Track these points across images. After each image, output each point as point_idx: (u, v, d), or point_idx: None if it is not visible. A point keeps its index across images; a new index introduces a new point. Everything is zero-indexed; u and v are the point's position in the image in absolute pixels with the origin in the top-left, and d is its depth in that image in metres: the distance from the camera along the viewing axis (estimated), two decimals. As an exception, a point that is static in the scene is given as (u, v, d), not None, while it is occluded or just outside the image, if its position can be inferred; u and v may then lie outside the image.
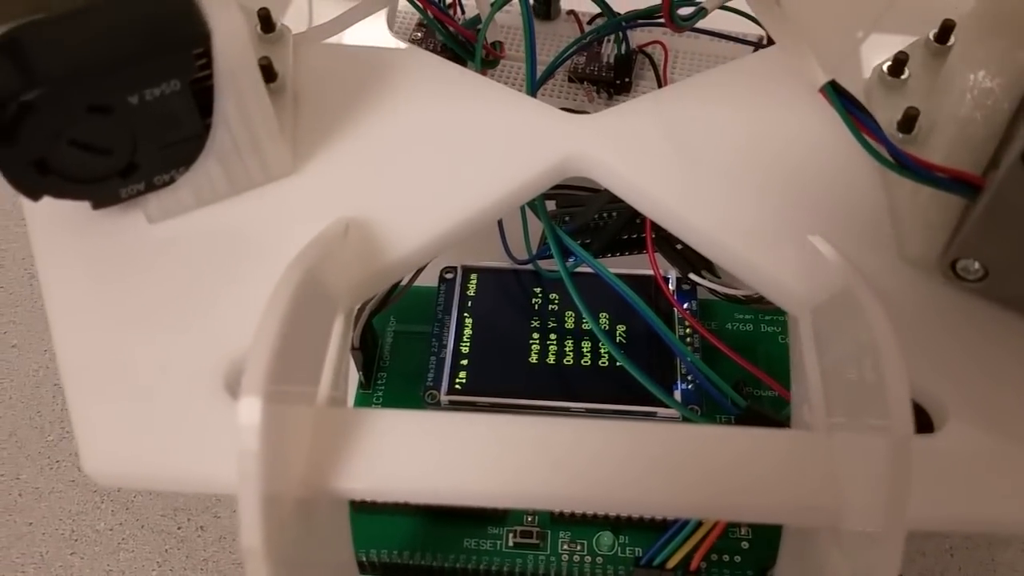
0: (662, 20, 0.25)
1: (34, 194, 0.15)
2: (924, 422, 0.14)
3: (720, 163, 0.16)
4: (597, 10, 0.27)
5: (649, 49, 0.27)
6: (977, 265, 0.14)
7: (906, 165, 0.14)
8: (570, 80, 0.27)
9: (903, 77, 0.17)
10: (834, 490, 0.13)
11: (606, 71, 0.26)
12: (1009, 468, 0.13)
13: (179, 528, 0.26)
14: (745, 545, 0.19)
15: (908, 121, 0.16)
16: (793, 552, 0.16)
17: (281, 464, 0.12)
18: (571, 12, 0.28)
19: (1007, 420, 0.14)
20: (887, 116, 0.16)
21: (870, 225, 0.16)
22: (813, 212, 0.16)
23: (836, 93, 0.15)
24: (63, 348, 0.14)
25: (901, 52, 0.17)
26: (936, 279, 0.15)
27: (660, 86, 0.26)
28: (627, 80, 0.26)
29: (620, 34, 0.26)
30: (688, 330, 0.21)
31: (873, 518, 0.12)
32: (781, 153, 0.16)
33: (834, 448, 0.13)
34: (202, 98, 0.15)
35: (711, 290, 0.21)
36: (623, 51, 0.26)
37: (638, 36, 0.27)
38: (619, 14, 0.25)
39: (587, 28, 0.27)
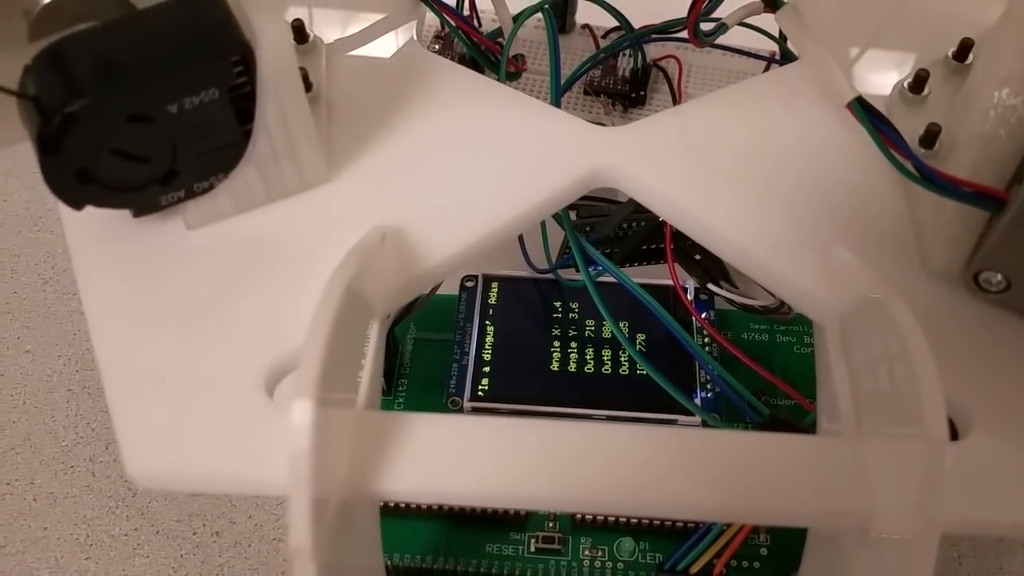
0: (676, 35, 0.25)
1: (77, 203, 0.15)
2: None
3: (745, 175, 0.17)
4: (610, 24, 0.28)
5: (663, 63, 0.27)
6: (1000, 277, 0.15)
7: (931, 179, 0.14)
8: (586, 93, 0.27)
9: (924, 94, 0.17)
10: (865, 495, 0.13)
11: (621, 84, 0.27)
12: (1033, 475, 0.13)
13: (194, 534, 0.26)
14: (764, 551, 0.20)
15: (930, 136, 0.16)
16: (818, 557, 0.16)
17: (328, 466, 0.12)
18: (585, 26, 0.29)
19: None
20: (909, 131, 0.17)
21: (893, 237, 0.16)
22: (836, 223, 0.16)
23: (863, 108, 0.15)
24: (104, 354, 0.14)
25: (922, 69, 0.17)
26: (959, 291, 0.15)
27: (675, 100, 0.26)
28: (642, 93, 0.26)
29: (635, 48, 0.26)
30: (707, 339, 0.21)
31: (907, 523, 0.12)
32: (805, 166, 0.17)
33: (864, 454, 0.13)
34: (239, 106, 0.15)
35: (728, 300, 0.22)
36: (638, 65, 0.26)
37: (653, 51, 0.27)
38: (635, 29, 0.26)
39: (601, 42, 0.28)
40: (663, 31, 0.24)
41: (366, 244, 0.14)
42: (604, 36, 0.28)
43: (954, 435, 0.14)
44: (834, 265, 0.15)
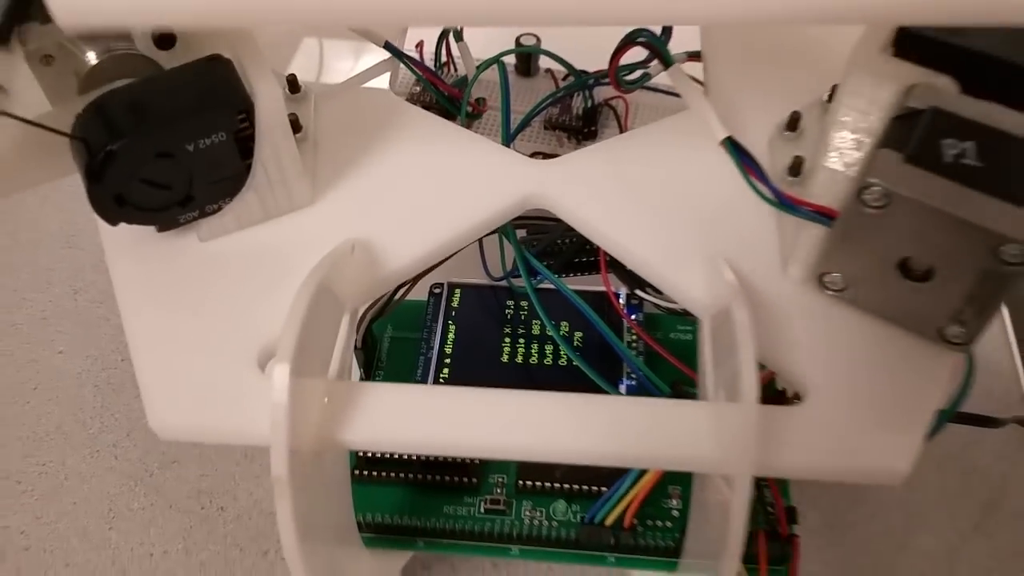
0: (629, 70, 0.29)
1: (113, 221, 0.19)
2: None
3: (646, 200, 0.21)
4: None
5: (614, 102, 0.31)
6: (839, 277, 0.18)
7: (783, 201, 0.18)
8: (545, 128, 0.31)
9: (798, 131, 0.21)
10: (715, 444, 0.17)
11: (575, 121, 0.31)
12: (856, 430, 0.17)
13: (202, 508, 0.30)
14: (676, 513, 0.23)
15: (796, 166, 0.20)
16: (697, 491, 0.20)
17: (302, 419, 0.16)
18: (548, 70, 0.33)
19: (858, 395, 0.18)
20: (782, 162, 0.21)
21: (764, 249, 0.20)
22: (718, 239, 0.20)
23: (732, 145, 0.19)
24: (133, 334, 0.19)
25: (795, 112, 0.21)
26: (811, 291, 0.19)
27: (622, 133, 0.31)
28: (593, 128, 0.31)
29: (587, 91, 0.30)
30: (635, 337, 0.25)
31: (736, 465, 0.16)
32: (695, 193, 0.21)
33: (718, 416, 0.17)
34: (242, 145, 0.19)
35: (656, 304, 0.26)
36: (589, 105, 0.30)
37: (605, 91, 0.31)
38: (587, 73, 0.30)
39: (562, 84, 0.32)
40: (601, 76, 0.28)
41: (338, 252, 0.18)
42: (564, 79, 0.33)
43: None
44: (709, 274, 0.19)
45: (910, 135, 0.17)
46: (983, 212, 0.16)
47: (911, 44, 0.18)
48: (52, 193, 0.38)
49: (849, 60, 0.18)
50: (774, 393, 0.23)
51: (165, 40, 0.20)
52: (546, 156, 0.23)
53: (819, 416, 0.17)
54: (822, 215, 0.18)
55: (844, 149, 0.19)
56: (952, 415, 0.19)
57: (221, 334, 0.18)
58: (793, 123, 0.21)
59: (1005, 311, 0.34)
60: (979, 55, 0.18)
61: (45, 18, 0.19)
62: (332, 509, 0.20)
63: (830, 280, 0.19)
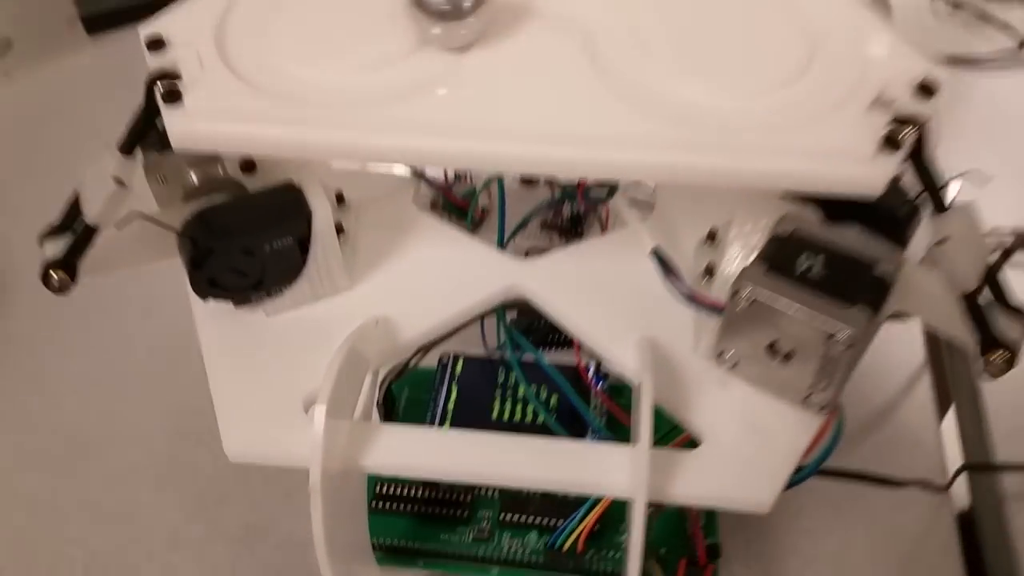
0: (607, 189, 0.36)
1: (205, 298, 0.26)
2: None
3: (597, 292, 0.27)
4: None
5: (598, 210, 0.38)
6: (731, 355, 0.25)
7: (689, 298, 0.25)
8: (542, 228, 0.38)
9: (715, 243, 0.28)
10: (624, 476, 0.23)
11: (566, 223, 0.37)
12: (735, 472, 0.23)
13: (248, 537, 0.36)
14: (622, 542, 0.29)
15: (710, 269, 0.27)
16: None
17: (332, 446, 0.23)
18: (549, 182, 0.40)
19: (739, 446, 0.24)
20: (701, 266, 0.27)
21: (683, 331, 0.26)
22: (651, 324, 0.26)
23: (655, 255, 0.26)
24: (213, 381, 0.25)
25: (713, 227, 0.28)
26: (713, 365, 0.25)
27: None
28: (580, 230, 0.37)
29: (574, 200, 0.37)
30: (599, 401, 0.31)
31: (633, 491, 0.22)
32: (636, 288, 0.27)
33: (628, 454, 0.23)
34: (302, 246, 0.26)
35: (619, 376, 0.32)
36: (576, 211, 0.37)
37: (592, 198, 0.38)
38: (574, 187, 0.37)
39: (557, 193, 0.39)
40: (588, 189, 0.35)
41: (365, 325, 0.25)
42: (579, 185, 0.39)
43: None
44: (639, 351, 0.25)
45: (776, 251, 0.23)
46: (822, 309, 0.22)
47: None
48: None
49: (742, 194, 0.25)
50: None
51: (248, 166, 0.28)
52: (542, 251, 0.29)
53: (709, 459, 0.24)
54: (716, 309, 0.24)
55: (737, 259, 0.25)
56: (818, 464, 0.25)
57: (277, 384, 0.25)
58: (712, 236, 0.28)
59: (928, 384, 0.40)
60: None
61: (164, 147, 0.27)
62: (352, 526, 0.26)
63: (725, 357, 0.25)
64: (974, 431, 0.40)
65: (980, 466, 0.38)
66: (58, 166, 0.53)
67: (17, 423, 0.40)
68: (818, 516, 0.35)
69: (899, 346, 0.41)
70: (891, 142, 0.22)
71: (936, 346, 0.42)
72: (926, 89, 0.23)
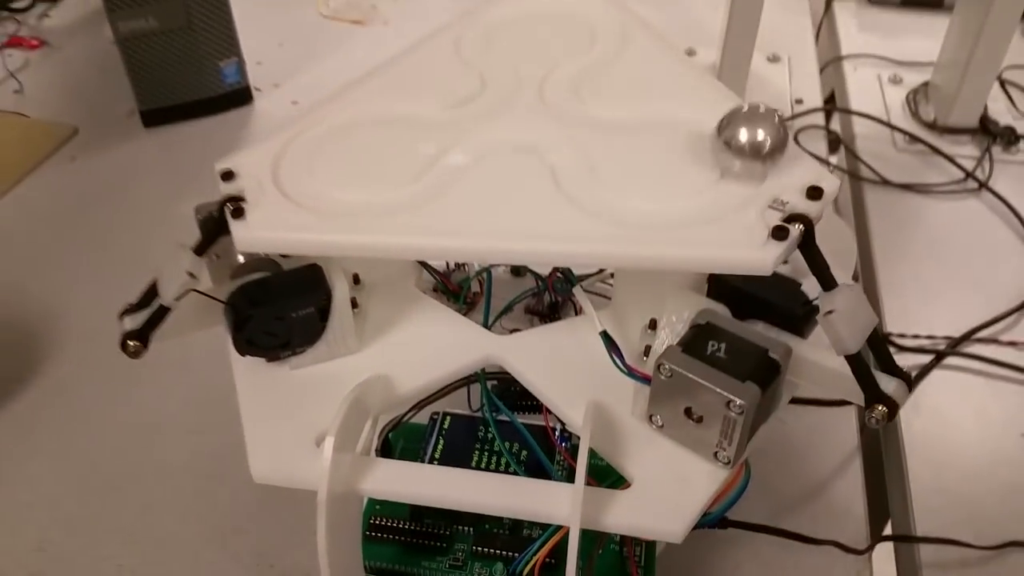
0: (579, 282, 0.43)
1: (243, 354, 0.33)
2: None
3: (558, 364, 0.34)
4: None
5: (573, 299, 0.45)
6: (659, 418, 0.31)
7: (627, 372, 0.31)
8: (525, 312, 0.45)
9: (655, 329, 0.34)
10: (567, 508, 0.29)
11: (546, 309, 0.44)
12: (653, 509, 0.29)
13: (258, 565, 0.42)
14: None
15: (647, 351, 0.33)
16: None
17: (337, 472, 0.29)
18: (534, 273, 0.47)
19: (660, 489, 0.30)
20: (641, 347, 0.33)
21: (624, 397, 0.32)
22: (599, 391, 0.33)
23: (604, 336, 0.32)
24: (246, 420, 0.32)
25: (654, 317, 0.34)
26: (645, 425, 0.31)
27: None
28: (557, 315, 0.44)
29: (552, 290, 0.44)
30: (562, 457, 0.37)
31: (569, 520, 0.28)
32: (589, 361, 0.34)
33: (569, 491, 0.29)
34: (322, 315, 0.33)
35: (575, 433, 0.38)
36: (553, 300, 0.44)
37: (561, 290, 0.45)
38: (553, 282, 0.44)
39: (539, 284, 0.46)
40: (569, 283, 0.42)
41: (368, 380, 0.32)
42: (548, 276, 0.46)
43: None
44: (586, 411, 0.32)
45: (693, 337, 0.30)
46: (721, 383, 0.28)
47: (712, 285, 0.32)
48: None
49: (671, 291, 0.32)
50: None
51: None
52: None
53: (637, 497, 0.30)
54: (647, 380, 0.31)
55: (665, 343, 0.32)
56: (726, 508, 0.31)
57: (296, 422, 0.32)
58: (652, 324, 0.34)
59: (858, 460, 0.45)
60: (739, 291, 0.31)
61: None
62: (348, 545, 0.32)
63: (654, 419, 0.31)
64: (899, 506, 0.45)
65: (902, 537, 0.44)
66: (110, 238, 0.61)
67: (63, 456, 0.46)
68: (752, 570, 0.40)
69: (835, 432, 0.47)
70: (779, 234, 0.29)
71: (869, 434, 0.48)
72: (815, 192, 0.30)
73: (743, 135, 0.31)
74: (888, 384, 0.29)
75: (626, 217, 0.30)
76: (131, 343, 0.31)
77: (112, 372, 0.51)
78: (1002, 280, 0.56)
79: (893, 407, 0.29)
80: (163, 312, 0.31)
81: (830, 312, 0.28)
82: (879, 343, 0.30)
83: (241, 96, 0.72)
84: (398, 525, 0.36)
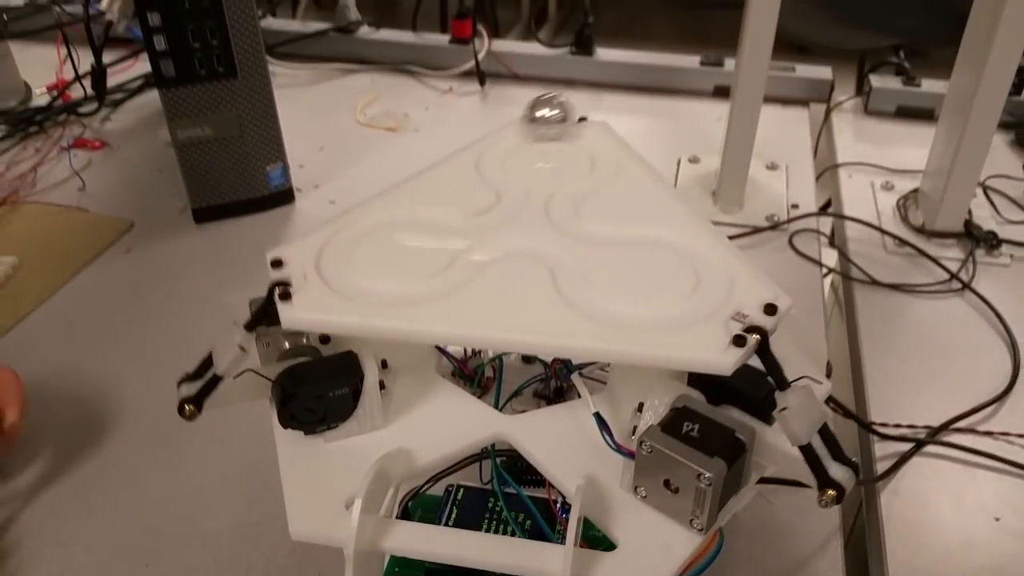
0: (577, 370, 0.48)
1: (285, 427, 0.38)
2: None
3: (556, 442, 0.38)
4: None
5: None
6: (643, 489, 0.36)
7: (616, 448, 0.36)
8: (534, 395, 0.50)
9: (642, 412, 0.39)
10: (557, 566, 0.33)
11: (552, 393, 0.49)
12: (635, 570, 0.34)
13: (287, 623, 0.46)
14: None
15: (634, 430, 0.38)
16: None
17: (363, 532, 0.34)
18: (542, 361, 0.52)
19: (641, 552, 0.34)
20: (630, 427, 0.38)
21: (614, 471, 0.37)
22: (590, 466, 0.37)
23: (597, 417, 0.37)
24: (286, 484, 0.37)
25: (641, 401, 0.39)
26: (631, 496, 0.36)
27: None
28: (563, 399, 0.49)
29: (557, 377, 0.49)
30: (561, 527, 0.42)
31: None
32: (584, 440, 0.38)
33: (561, 551, 0.34)
34: (355, 395, 0.38)
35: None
36: (559, 385, 0.49)
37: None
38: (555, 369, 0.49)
39: (546, 371, 0.51)
40: (569, 371, 0.47)
41: (391, 453, 0.37)
42: (551, 364, 0.52)
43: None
44: (580, 487, 0.36)
45: (671, 419, 0.35)
46: (693, 458, 0.33)
47: (690, 374, 0.37)
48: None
49: (656, 379, 0.37)
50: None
51: (324, 338, 0.41)
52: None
53: (621, 557, 0.34)
54: (632, 456, 0.36)
55: (649, 423, 0.37)
56: (701, 570, 0.35)
57: (329, 488, 0.37)
58: (640, 407, 0.39)
59: (839, 539, 0.49)
60: (713, 380, 0.36)
61: (271, 323, 0.40)
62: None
63: (639, 490, 0.36)
64: (877, 585, 0.49)
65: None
66: (161, 323, 0.67)
67: (115, 521, 0.51)
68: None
69: (818, 512, 0.51)
70: (739, 342, 0.34)
71: (850, 514, 0.52)
72: (770, 308, 0.35)
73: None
74: (838, 471, 0.34)
75: (612, 319, 0.36)
76: (188, 407, 0.37)
77: (160, 445, 0.56)
78: (981, 375, 0.61)
79: (841, 491, 0.34)
80: (216, 381, 0.37)
81: (784, 409, 0.33)
82: (829, 436, 0.35)
83: (285, 196, 0.79)
84: (411, 584, 0.41)
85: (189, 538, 0.50)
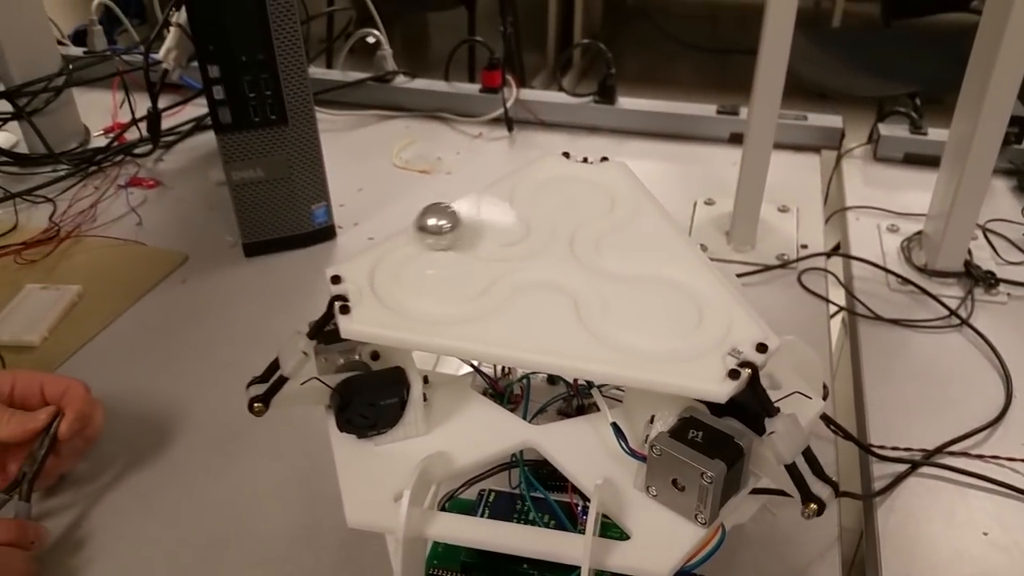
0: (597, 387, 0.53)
1: (342, 431, 0.44)
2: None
3: (577, 449, 0.44)
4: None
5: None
6: (654, 488, 0.40)
7: (630, 453, 0.41)
8: (557, 413, 0.55)
9: (652, 423, 0.44)
10: (580, 550, 0.38)
11: (574, 411, 0.54)
12: (646, 556, 0.38)
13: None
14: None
15: (647, 439, 0.43)
16: None
17: (410, 520, 0.39)
18: (565, 381, 0.57)
19: (651, 542, 0.39)
20: (643, 436, 0.43)
21: (629, 474, 0.42)
22: (609, 470, 0.42)
23: (614, 426, 0.42)
24: (343, 481, 0.42)
25: (653, 414, 0.44)
26: (644, 495, 0.41)
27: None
28: (583, 413, 0.54)
29: (579, 396, 0.54)
30: (582, 527, 0.46)
31: (581, 560, 0.37)
32: (603, 447, 0.43)
33: (582, 539, 0.39)
34: (402, 405, 0.44)
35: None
36: (581, 403, 0.54)
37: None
38: (572, 387, 0.54)
39: (569, 390, 0.56)
40: (580, 387, 0.52)
41: (432, 455, 0.42)
42: (574, 382, 0.57)
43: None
44: (599, 485, 0.41)
45: (678, 427, 0.40)
46: (697, 460, 0.38)
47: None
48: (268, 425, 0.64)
49: (665, 397, 0.42)
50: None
51: (375, 355, 0.46)
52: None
53: (633, 546, 0.39)
54: (642, 457, 0.41)
55: (659, 430, 0.42)
56: (704, 560, 0.40)
57: (379, 485, 0.42)
58: (652, 419, 0.44)
59: (837, 549, 0.53)
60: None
61: (329, 341, 0.45)
62: (416, 572, 0.42)
63: (650, 489, 0.41)
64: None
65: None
66: (213, 348, 0.73)
67: (176, 521, 0.57)
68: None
69: (818, 525, 0.55)
70: (733, 375, 0.39)
71: (848, 528, 0.56)
72: (762, 347, 0.40)
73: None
74: (821, 489, 0.39)
75: (626, 348, 0.41)
76: (256, 405, 0.42)
77: (216, 455, 0.62)
78: (975, 404, 0.65)
79: (821, 505, 0.39)
80: (282, 382, 0.42)
81: (772, 433, 0.38)
82: (812, 457, 0.40)
83: (327, 233, 0.86)
84: (449, 575, 0.46)
85: (244, 538, 0.55)
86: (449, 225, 0.47)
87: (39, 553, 0.53)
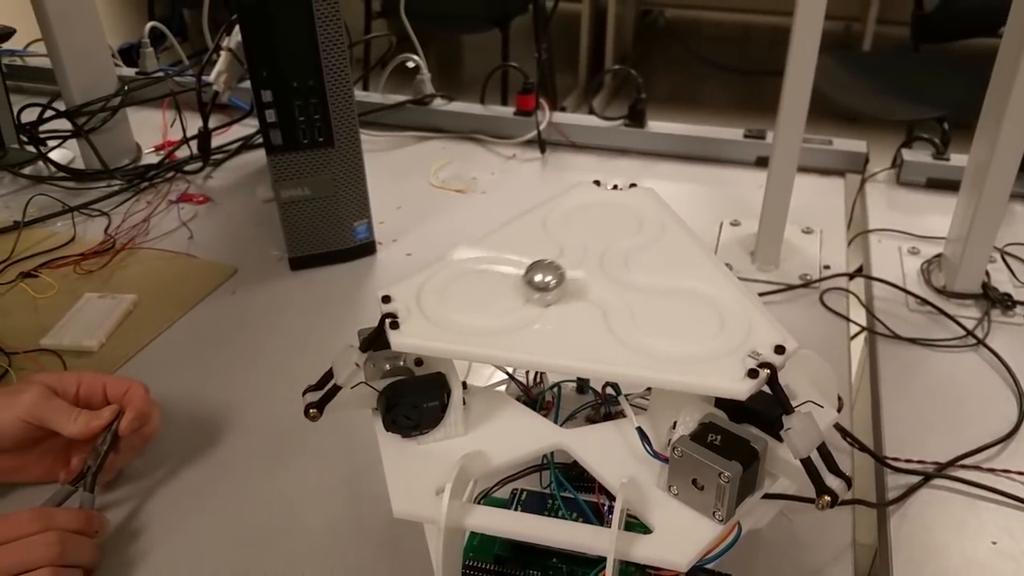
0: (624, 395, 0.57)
1: (388, 430, 0.47)
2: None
3: (605, 453, 0.47)
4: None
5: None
6: (675, 487, 0.44)
7: (654, 455, 0.45)
8: (586, 420, 0.58)
9: (675, 427, 0.47)
10: (606, 543, 0.42)
11: (601, 418, 0.58)
12: (668, 548, 0.42)
13: (374, 604, 0.54)
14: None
15: (669, 442, 0.46)
16: None
17: (451, 512, 0.43)
18: (594, 390, 0.60)
19: (672, 535, 0.42)
20: (666, 440, 0.47)
21: (651, 475, 0.45)
22: (634, 470, 0.46)
23: (639, 430, 0.46)
24: (389, 474, 0.46)
25: (676, 420, 0.47)
26: (666, 493, 0.44)
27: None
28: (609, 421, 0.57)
29: (606, 404, 0.57)
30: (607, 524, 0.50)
31: (607, 552, 0.41)
32: (628, 449, 0.47)
33: (609, 532, 0.42)
34: (443, 407, 0.48)
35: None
36: (608, 411, 0.57)
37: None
38: (606, 397, 0.57)
39: (596, 399, 0.59)
40: (616, 400, 0.56)
41: (470, 455, 0.46)
42: (602, 389, 0.60)
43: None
44: (624, 485, 0.45)
45: (699, 431, 0.43)
46: (715, 461, 0.42)
47: (717, 399, 0.45)
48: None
49: (687, 402, 0.45)
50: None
51: (419, 362, 0.50)
52: (573, 430, 0.50)
53: (656, 539, 0.42)
54: (667, 461, 0.44)
55: (680, 434, 0.45)
56: (722, 553, 0.43)
57: (422, 480, 0.45)
58: (674, 424, 0.47)
59: (850, 554, 0.56)
60: (734, 402, 0.44)
61: (377, 349, 0.49)
62: (453, 565, 0.45)
63: (672, 488, 0.44)
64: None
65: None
66: (261, 355, 0.77)
67: (227, 517, 0.61)
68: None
69: (832, 531, 0.58)
70: (753, 375, 0.42)
71: (861, 533, 0.59)
72: (780, 349, 0.44)
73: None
74: (833, 481, 0.42)
75: (653, 353, 0.45)
76: (312, 410, 0.46)
77: (264, 456, 0.66)
78: (988, 420, 0.67)
79: (835, 497, 0.42)
80: (336, 390, 0.47)
81: (788, 429, 0.42)
82: (826, 453, 0.43)
83: (368, 248, 0.90)
84: (484, 566, 0.49)
85: (291, 533, 0.59)
86: (555, 282, 0.48)
87: (101, 541, 0.57)
